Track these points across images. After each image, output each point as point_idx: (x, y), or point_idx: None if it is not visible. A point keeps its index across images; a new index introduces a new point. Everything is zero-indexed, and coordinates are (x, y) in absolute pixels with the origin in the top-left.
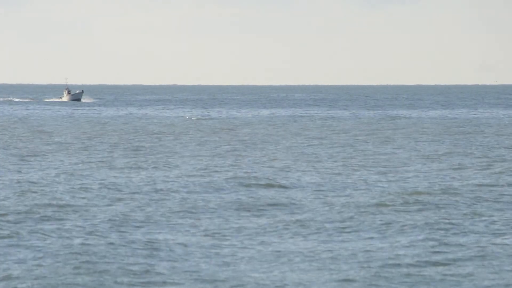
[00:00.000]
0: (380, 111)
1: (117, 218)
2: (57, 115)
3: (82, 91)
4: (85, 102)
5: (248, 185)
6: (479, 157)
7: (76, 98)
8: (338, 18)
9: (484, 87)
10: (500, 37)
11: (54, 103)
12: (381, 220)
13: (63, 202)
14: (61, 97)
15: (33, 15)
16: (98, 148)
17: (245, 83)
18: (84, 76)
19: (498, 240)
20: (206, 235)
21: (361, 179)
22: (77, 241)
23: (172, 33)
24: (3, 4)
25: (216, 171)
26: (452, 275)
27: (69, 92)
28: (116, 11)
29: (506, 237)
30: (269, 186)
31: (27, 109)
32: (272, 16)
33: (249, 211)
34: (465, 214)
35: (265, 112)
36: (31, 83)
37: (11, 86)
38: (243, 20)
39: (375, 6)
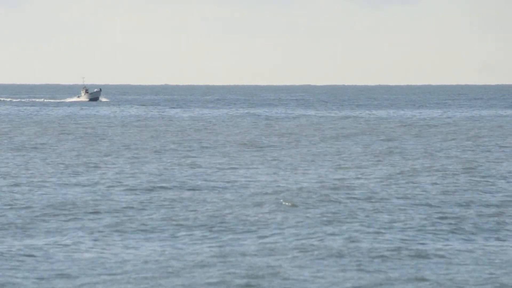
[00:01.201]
0: (344, 112)
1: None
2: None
3: (100, 90)
4: (103, 102)
5: (152, 188)
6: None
7: (94, 97)
8: (338, 18)
9: (484, 87)
10: (500, 37)
11: (74, 103)
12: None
13: None
14: (79, 97)
15: (32, 15)
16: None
17: (246, 83)
18: (84, 76)
19: (387, 237)
20: (93, 240)
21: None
22: None
23: (172, 33)
24: (3, 4)
25: (133, 173)
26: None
27: (87, 91)
28: (116, 11)
29: (401, 235)
30: (176, 188)
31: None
32: (273, 16)
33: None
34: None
35: (224, 111)
36: (29, 83)
37: (9, 86)
38: (243, 20)
39: (375, 6)
